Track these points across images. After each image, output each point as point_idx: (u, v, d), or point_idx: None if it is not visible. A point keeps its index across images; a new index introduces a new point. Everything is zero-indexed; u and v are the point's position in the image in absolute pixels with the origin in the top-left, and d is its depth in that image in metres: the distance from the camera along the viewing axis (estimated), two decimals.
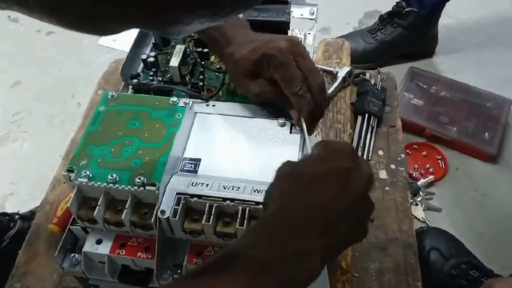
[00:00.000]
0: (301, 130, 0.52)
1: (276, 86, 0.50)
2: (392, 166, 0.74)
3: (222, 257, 0.36)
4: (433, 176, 1.01)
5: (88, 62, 1.28)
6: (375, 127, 0.79)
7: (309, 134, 0.52)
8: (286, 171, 0.39)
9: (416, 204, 0.97)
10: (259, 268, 0.34)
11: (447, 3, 1.17)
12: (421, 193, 0.99)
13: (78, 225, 0.49)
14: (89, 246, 0.48)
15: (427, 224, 0.94)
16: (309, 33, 0.61)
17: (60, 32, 1.35)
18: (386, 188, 0.71)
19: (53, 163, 0.75)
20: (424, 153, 1.05)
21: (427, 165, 1.03)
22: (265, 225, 0.37)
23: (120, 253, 0.48)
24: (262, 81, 0.51)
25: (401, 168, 0.73)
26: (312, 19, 0.62)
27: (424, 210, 0.97)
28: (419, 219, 0.95)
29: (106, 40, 1.31)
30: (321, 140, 0.50)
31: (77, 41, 1.32)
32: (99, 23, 0.22)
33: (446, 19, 1.27)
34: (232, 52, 0.52)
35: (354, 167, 0.38)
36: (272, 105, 0.55)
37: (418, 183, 0.99)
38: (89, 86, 0.85)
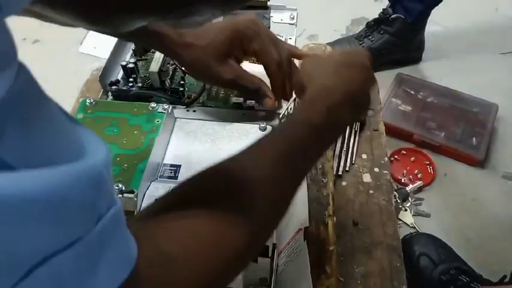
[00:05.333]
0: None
1: (243, 71, 0.51)
2: (376, 170, 0.73)
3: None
4: (421, 182, 1.01)
5: (74, 70, 1.27)
6: (358, 131, 0.78)
7: (280, 107, 0.53)
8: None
9: (406, 210, 0.97)
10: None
11: (433, 11, 1.18)
12: (410, 199, 0.98)
13: None
14: None
15: (417, 229, 0.94)
16: (290, 38, 0.61)
17: (46, 41, 1.34)
18: (371, 192, 0.70)
19: None
20: (412, 158, 1.05)
21: (416, 171, 1.03)
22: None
23: None
24: (233, 63, 0.50)
25: (385, 171, 0.73)
26: (292, 24, 0.62)
27: (413, 215, 0.96)
28: (408, 225, 0.94)
29: (87, 48, 1.30)
30: None
31: (63, 49, 1.31)
32: (116, 16, 0.24)
33: (433, 26, 1.28)
34: (191, 42, 0.49)
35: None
36: (252, 109, 0.54)
37: (407, 188, 0.99)
38: (75, 95, 0.84)
